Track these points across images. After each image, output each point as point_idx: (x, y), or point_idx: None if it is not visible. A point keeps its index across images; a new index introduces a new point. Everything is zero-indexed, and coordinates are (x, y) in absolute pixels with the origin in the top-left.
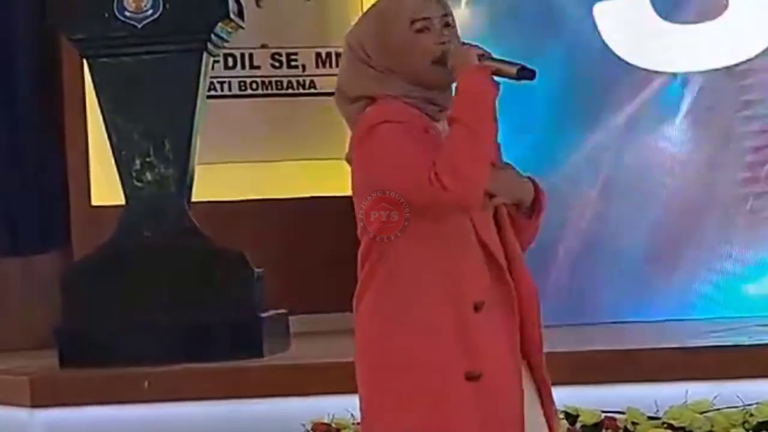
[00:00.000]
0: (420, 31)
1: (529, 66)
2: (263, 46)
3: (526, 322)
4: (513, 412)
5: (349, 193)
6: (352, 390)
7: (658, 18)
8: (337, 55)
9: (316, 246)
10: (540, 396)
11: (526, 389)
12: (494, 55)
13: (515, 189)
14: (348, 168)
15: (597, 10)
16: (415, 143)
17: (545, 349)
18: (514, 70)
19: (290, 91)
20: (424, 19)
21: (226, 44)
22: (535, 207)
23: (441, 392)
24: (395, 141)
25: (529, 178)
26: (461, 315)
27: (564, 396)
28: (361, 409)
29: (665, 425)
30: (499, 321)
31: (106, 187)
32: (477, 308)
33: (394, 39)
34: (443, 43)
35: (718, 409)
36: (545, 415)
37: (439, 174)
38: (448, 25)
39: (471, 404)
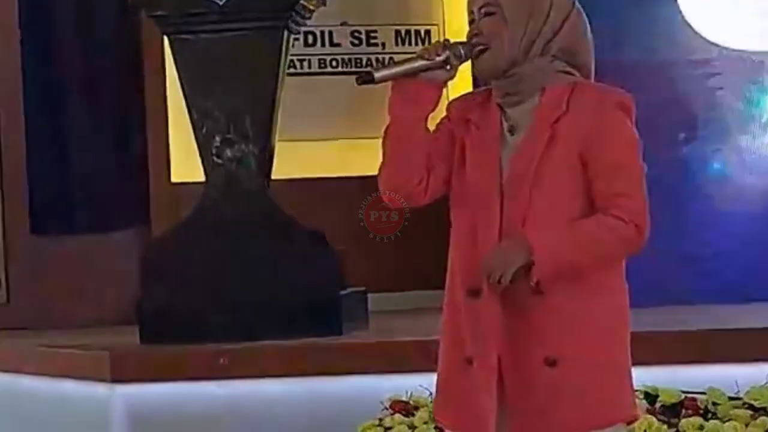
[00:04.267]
0: (470, 23)
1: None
2: (343, 24)
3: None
4: (487, 404)
5: None
6: (430, 368)
7: None
8: (416, 32)
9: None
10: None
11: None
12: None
13: (509, 261)
14: None
15: None
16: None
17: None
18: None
19: (370, 68)
20: (470, 12)
21: (306, 22)
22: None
23: (443, 376)
24: None
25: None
26: (460, 301)
27: (644, 376)
28: None
29: (746, 405)
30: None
31: (185, 165)
32: (472, 294)
33: None
34: (474, 35)
35: None
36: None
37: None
38: (490, 14)
39: (464, 389)
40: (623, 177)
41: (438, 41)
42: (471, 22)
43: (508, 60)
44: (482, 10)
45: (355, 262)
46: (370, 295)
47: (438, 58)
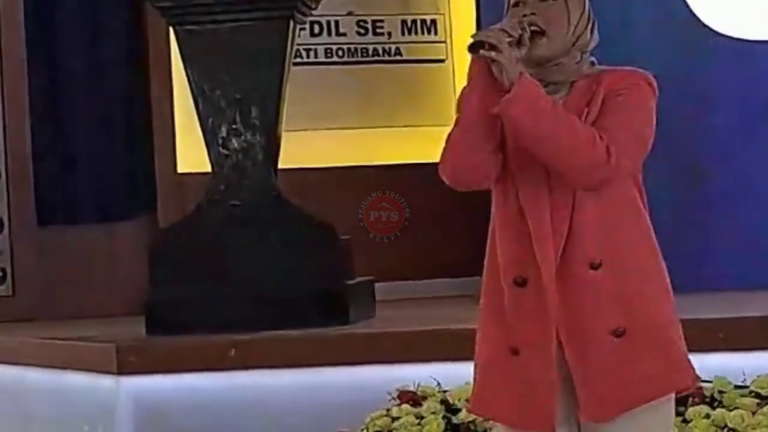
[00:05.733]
0: (515, 5)
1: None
2: (349, 14)
3: (571, 304)
4: (544, 391)
5: (431, 159)
6: (438, 357)
7: None
8: (422, 22)
9: (402, 213)
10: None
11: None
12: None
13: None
14: (431, 135)
15: None
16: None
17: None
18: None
19: (376, 58)
20: None
21: (312, 11)
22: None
23: (487, 366)
24: None
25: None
26: (504, 290)
27: None
28: None
29: (752, 394)
30: (537, 298)
31: (191, 155)
32: (519, 284)
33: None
34: (524, 16)
35: None
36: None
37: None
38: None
39: (512, 378)
40: (624, 124)
41: (513, 18)
42: (517, 4)
43: (562, 49)
44: None
45: (362, 251)
46: (377, 285)
47: (515, 37)
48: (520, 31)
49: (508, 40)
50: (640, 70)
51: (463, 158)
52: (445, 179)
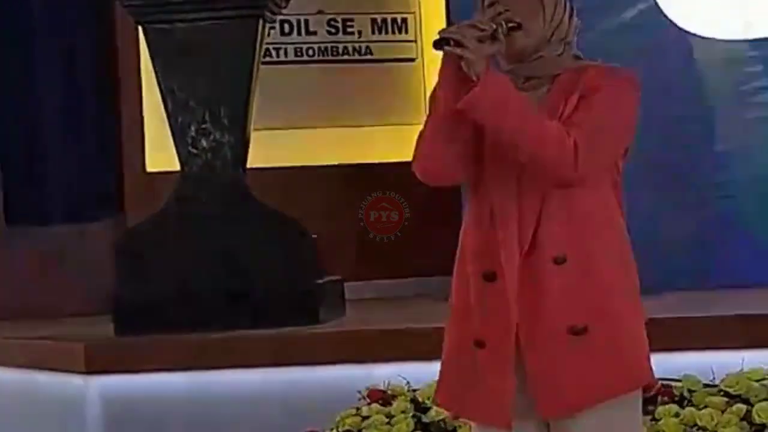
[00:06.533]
0: (490, 5)
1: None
2: (319, 12)
3: (533, 298)
4: (501, 386)
5: (402, 159)
6: (408, 356)
7: None
8: (393, 21)
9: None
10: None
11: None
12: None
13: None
14: (401, 134)
15: None
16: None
17: None
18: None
19: (346, 57)
20: None
21: (282, 10)
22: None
23: (451, 359)
24: None
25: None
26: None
27: None
28: None
29: (721, 393)
30: (503, 292)
31: (160, 154)
32: (487, 278)
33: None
34: (499, 14)
35: None
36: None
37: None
38: None
39: (474, 371)
40: (597, 122)
41: (487, 15)
42: (492, 4)
43: (541, 41)
44: None
45: (333, 250)
46: (346, 284)
47: (487, 31)
48: (494, 26)
49: (478, 35)
50: (624, 68)
51: (433, 153)
52: (417, 173)
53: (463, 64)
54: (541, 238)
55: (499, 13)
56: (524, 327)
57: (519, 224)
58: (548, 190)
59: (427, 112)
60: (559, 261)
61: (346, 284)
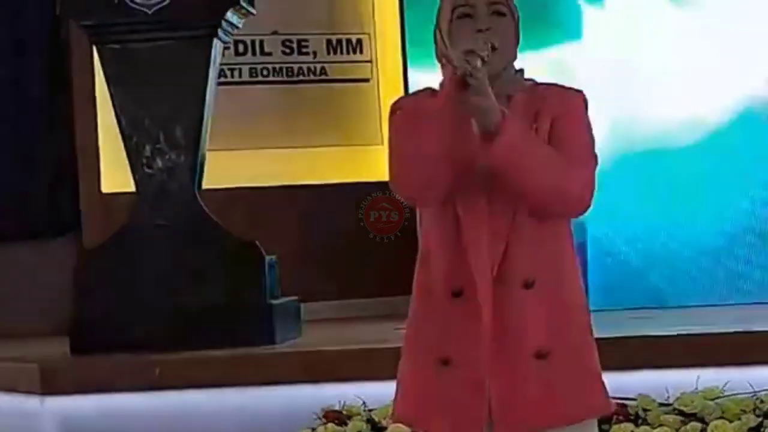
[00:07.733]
0: (462, 17)
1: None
2: (274, 33)
3: (501, 321)
4: (477, 403)
5: (357, 179)
6: (364, 377)
7: None
8: (348, 41)
9: (327, 233)
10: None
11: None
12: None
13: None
14: (356, 155)
15: None
16: (405, 136)
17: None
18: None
19: (301, 77)
20: (466, 5)
21: (236, 31)
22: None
23: (414, 376)
24: (394, 132)
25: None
26: (437, 302)
27: None
28: None
29: (676, 412)
30: (472, 311)
31: (116, 175)
32: (455, 294)
33: (440, 26)
34: (478, 31)
35: (729, 396)
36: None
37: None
38: (499, 13)
39: (441, 388)
40: (580, 147)
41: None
42: (466, 15)
43: (508, 62)
44: (492, 8)
45: (289, 270)
46: (304, 304)
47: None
48: (487, 51)
49: (479, 63)
50: (574, 87)
51: (431, 180)
52: (402, 193)
53: (469, 96)
54: (510, 261)
55: (479, 31)
56: (493, 348)
57: (489, 247)
58: (518, 212)
59: (407, 133)
60: (528, 285)
61: (303, 305)
